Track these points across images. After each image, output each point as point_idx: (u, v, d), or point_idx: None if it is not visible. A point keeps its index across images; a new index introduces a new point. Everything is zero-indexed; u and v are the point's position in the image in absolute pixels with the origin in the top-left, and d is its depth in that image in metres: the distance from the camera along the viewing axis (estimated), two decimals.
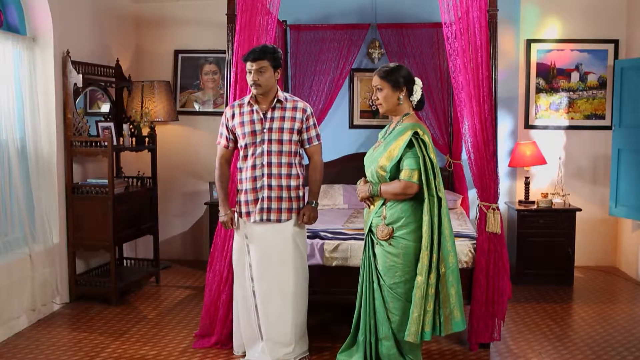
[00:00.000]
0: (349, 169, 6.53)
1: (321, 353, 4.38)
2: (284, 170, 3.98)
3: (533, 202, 6.31)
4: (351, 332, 3.88)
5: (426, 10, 6.55)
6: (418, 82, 3.71)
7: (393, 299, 3.64)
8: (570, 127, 6.71)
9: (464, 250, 4.43)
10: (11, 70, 4.95)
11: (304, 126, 4.05)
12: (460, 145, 6.47)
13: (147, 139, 6.09)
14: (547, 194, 6.31)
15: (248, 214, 4.03)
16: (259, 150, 3.98)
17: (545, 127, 6.73)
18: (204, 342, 4.50)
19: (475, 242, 4.45)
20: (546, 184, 6.66)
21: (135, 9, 6.99)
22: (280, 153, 3.97)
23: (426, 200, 3.54)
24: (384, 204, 3.63)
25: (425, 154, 3.54)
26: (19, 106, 5.03)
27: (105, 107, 6.23)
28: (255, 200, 4.00)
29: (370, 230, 3.72)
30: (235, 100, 4.35)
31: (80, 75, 5.39)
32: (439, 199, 3.57)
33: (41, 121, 5.23)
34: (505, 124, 6.66)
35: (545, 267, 6.10)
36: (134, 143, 5.96)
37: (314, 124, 4.12)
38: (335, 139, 6.91)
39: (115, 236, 5.46)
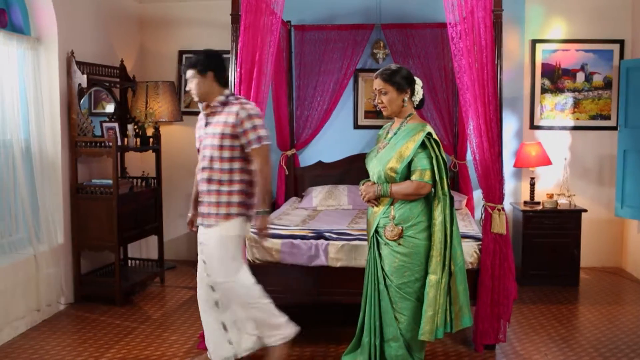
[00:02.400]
0: (353, 169, 6.52)
1: (326, 354, 4.38)
2: (218, 176, 3.88)
3: (538, 203, 6.29)
4: (356, 334, 3.87)
5: (431, 11, 6.53)
6: (418, 82, 3.73)
7: (401, 299, 3.63)
8: (575, 128, 6.68)
9: (469, 251, 4.42)
10: (16, 71, 4.95)
11: (240, 130, 3.83)
12: (465, 145, 6.46)
13: (151, 139, 6.09)
14: (552, 194, 6.29)
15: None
16: (201, 155, 3.95)
17: (551, 128, 6.71)
18: None
19: (480, 243, 4.43)
20: (551, 184, 6.64)
21: (140, 9, 6.99)
22: (214, 159, 3.87)
23: (440, 200, 3.56)
24: (391, 204, 3.61)
25: (438, 153, 3.56)
26: (23, 107, 5.04)
27: (110, 108, 6.23)
28: (202, 204, 3.98)
29: (375, 231, 3.70)
30: None
31: (85, 76, 5.39)
32: (451, 198, 3.62)
33: (46, 121, 5.23)
34: (510, 125, 6.65)
35: (551, 268, 6.08)
36: (138, 143, 5.96)
37: (253, 127, 3.82)
38: (340, 139, 6.91)
39: (120, 236, 5.46)
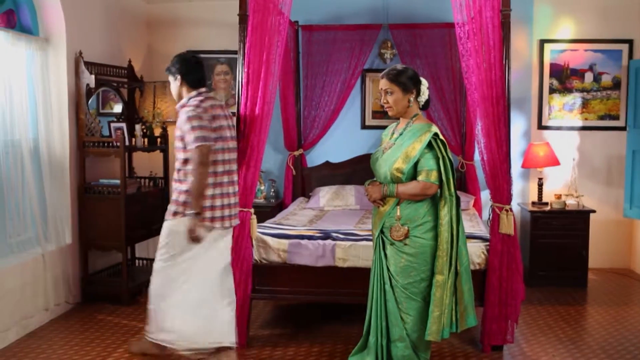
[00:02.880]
0: (360, 169, 6.51)
1: (333, 354, 4.37)
2: (177, 176, 4.06)
3: (546, 204, 6.26)
4: (363, 334, 3.86)
5: (438, 10, 6.51)
6: (424, 83, 3.72)
7: (407, 299, 3.62)
8: (584, 128, 6.65)
9: (476, 252, 4.40)
10: (24, 71, 4.97)
11: (183, 132, 3.95)
12: (473, 146, 6.44)
13: (159, 139, 6.10)
14: (560, 195, 6.26)
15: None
16: None
17: (559, 128, 6.68)
18: None
19: (488, 243, 4.42)
20: (560, 185, 6.61)
21: (148, 9, 7.00)
22: (176, 159, 4.07)
23: (447, 200, 3.57)
24: (397, 204, 3.61)
25: (445, 154, 3.56)
26: (31, 107, 5.06)
27: (118, 108, 6.24)
28: None
29: (381, 231, 3.69)
30: (247, 101, 4.37)
31: (93, 76, 5.39)
32: (457, 198, 3.61)
33: (54, 122, 5.25)
34: (518, 125, 6.62)
35: (559, 269, 6.05)
36: (146, 143, 5.96)
37: (190, 128, 3.88)
38: (347, 139, 6.90)
39: (127, 236, 5.47)
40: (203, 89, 4.12)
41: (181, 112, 3.99)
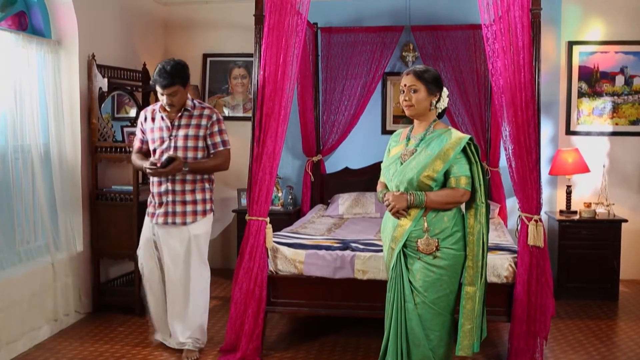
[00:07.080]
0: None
1: None
2: (188, 176, 4.22)
3: (575, 212, 6.02)
4: (380, 357, 3.60)
5: (462, 12, 6.34)
6: (445, 90, 3.52)
7: (434, 315, 3.37)
8: (614, 133, 6.41)
9: (504, 264, 4.19)
10: (35, 74, 4.84)
11: (208, 132, 4.25)
12: (498, 151, 6.23)
13: None
14: (590, 203, 6.02)
15: (153, 214, 4.32)
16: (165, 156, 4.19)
17: (588, 133, 6.44)
18: (229, 357, 4.33)
19: (515, 255, 4.20)
20: (589, 193, 6.37)
21: (163, 12, 6.89)
22: (185, 159, 4.18)
23: (479, 208, 3.38)
24: (422, 214, 3.37)
25: (478, 160, 3.37)
26: (42, 111, 4.93)
27: (133, 112, 6.11)
28: (160, 204, 4.28)
29: (404, 245, 3.43)
30: (263, 104, 4.22)
31: (106, 80, 5.26)
32: (487, 206, 3.43)
33: (65, 126, 5.13)
34: (545, 130, 6.37)
35: (589, 281, 5.81)
36: None
37: (220, 130, 4.28)
38: (367, 145, 6.72)
39: None
40: None
41: (201, 113, 4.25)
